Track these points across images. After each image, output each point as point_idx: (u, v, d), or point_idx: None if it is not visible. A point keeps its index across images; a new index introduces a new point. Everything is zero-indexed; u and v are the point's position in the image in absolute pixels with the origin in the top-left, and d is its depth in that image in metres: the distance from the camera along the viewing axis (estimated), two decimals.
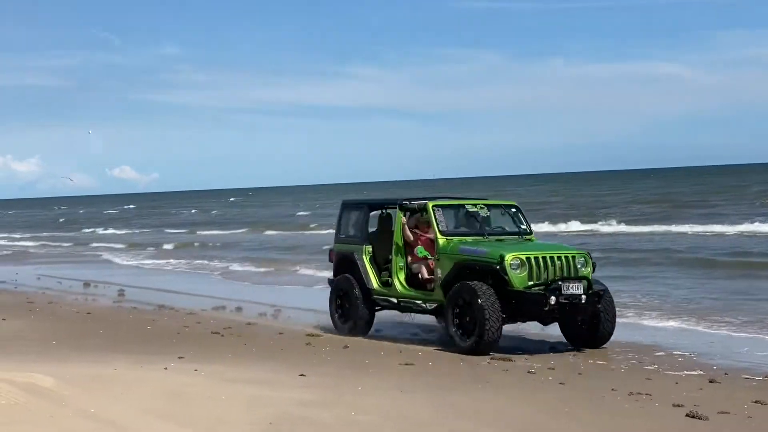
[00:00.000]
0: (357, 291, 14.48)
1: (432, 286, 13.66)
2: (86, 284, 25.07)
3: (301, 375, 10.76)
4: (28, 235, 63.56)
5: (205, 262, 33.29)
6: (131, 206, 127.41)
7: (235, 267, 30.50)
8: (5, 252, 45.93)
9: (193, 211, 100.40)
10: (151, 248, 42.83)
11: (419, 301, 13.81)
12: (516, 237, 14.09)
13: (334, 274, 15.38)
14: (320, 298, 18.05)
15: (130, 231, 65.22)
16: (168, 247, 42.92)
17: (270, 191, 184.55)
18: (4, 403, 8.79)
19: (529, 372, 11.35)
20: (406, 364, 11.83)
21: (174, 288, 24.19)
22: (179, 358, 12.06)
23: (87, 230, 69.80)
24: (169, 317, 17.49)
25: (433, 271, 13.73)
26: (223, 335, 14.82)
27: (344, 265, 15.11)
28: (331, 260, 15.72)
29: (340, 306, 14.91)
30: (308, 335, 14.67)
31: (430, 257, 13.96)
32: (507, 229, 14.34)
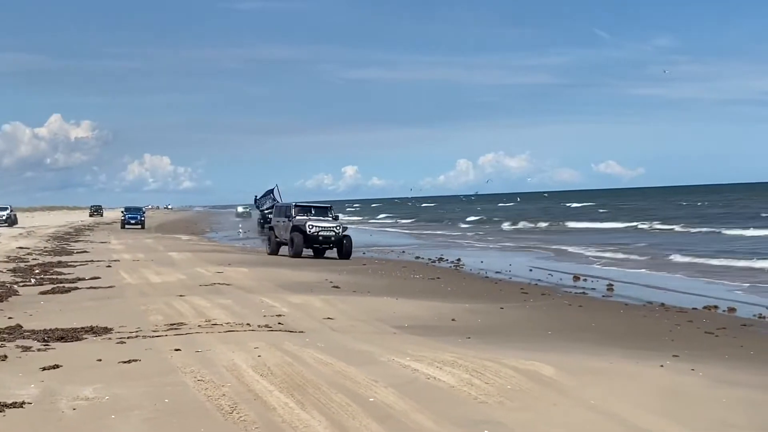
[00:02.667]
0: None
1: None
2: (576, 277, 25.64)
3: None
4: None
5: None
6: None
7: None
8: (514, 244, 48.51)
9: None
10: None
11: None
12: None
13: None
14: None
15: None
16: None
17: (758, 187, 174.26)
18: (510, 388, 9.33)
19: None
20: None
21: (664, 285, 23.93)
22: (674, 356, 11.89)
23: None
24: (660, 314, 17.31)
25: None
26: (717, 336, 14.36)
27: None
28: None
29: None
30: None
31: None
32: None
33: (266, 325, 14.13)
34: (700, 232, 53.63)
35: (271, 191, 46.49)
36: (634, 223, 66.05)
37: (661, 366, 10.97)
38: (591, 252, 39.13)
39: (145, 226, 71.69)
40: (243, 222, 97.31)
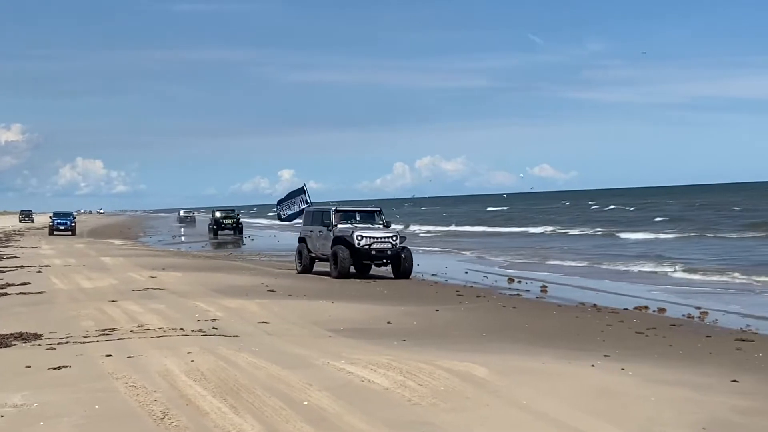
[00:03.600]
0: None
1: None
2: (510, 279, 25.92)
3: (734, 381, 10.34)
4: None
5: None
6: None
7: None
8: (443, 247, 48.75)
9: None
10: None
11: None
12: None
13: None
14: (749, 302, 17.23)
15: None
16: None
17: (691, 190, 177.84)
18: (443, 389, 9.40)
19: None
20: None
21: (596, 286, 24.30)
22: (605, 356, 12.09)
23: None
24: (592, 315, 17.58)
25: None
26: (647, 335, 14.63)
27: None
28: None
29: None
30: (737, 340, 14.05)
31: None
32: None
33: (200, 330, 14.04)
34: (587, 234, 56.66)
35: (302, 191, 33.27)
36: (525, 228, 67.79)
37: (593, 366, 11.14)
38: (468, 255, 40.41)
39: (77, 232, 69.82)
40: (186, 228, 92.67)
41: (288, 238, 62.03)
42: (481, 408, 8.63)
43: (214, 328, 14.38)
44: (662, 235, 49.83)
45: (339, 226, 27.27)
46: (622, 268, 30.32)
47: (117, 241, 55.84)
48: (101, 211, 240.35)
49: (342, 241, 26.60)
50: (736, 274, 25.88)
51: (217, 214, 66.70)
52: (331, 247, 26.77)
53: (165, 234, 76.14)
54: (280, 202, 34.65)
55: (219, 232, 64.76)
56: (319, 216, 28.96)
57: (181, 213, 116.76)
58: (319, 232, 28.08)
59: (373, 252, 26.54)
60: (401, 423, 8.07)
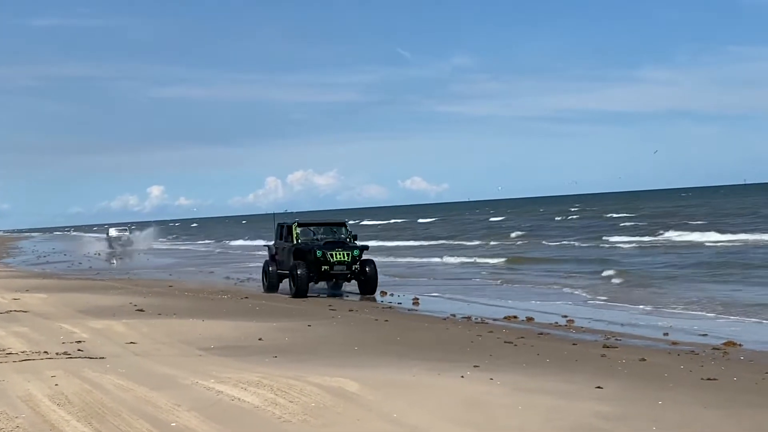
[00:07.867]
0: None
1: None
2: (383, 293, 26.07)
3: (598, 387, 10.64)
4: None
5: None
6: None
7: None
8: None
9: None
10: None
11: None
12: None
13: None
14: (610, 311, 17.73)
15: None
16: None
17: (555, 201, 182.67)
18: (314, 405, 9.37)
19: None
20: (709, 379, 11.38)
21: (465, 298, 24.66)
22: (474, 366, 12.26)
23: None
24: (463, 326, 17.83)
25: None
26: (516, 345, 14.91)
27: None
28: None
29: None
30: (604, 347, 14.47)
31: None
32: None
33: (65, 353, 13.65)
34: None
35: None
36: None
37: (462, 377, 11.29)
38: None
39: None
40: (121, 254, 61.84)
41: (154, 257, 59.77)
42: (352, 423, 8.63)
43: (79, 350, 14.01)
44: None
45: None
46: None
47: None
48: None
49: None
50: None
51: (300, 231, 27.28)
52: None
53: (29, 254, 73.75)
54: None
55: (320, 280, 26.27)
56: None
57: (112, 232, 76.00)
58: None
59: None
60: None
